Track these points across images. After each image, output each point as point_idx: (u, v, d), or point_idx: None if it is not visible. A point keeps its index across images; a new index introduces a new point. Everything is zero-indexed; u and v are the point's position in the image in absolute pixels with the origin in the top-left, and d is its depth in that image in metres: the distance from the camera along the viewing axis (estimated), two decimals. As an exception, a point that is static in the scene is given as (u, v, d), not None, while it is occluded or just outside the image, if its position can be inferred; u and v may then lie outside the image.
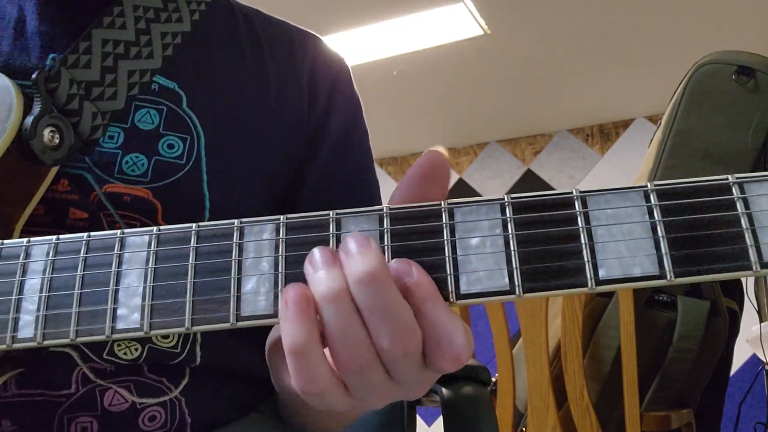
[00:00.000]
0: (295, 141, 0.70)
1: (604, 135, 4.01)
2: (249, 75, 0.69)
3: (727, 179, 0.38)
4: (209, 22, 0.70)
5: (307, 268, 0.37)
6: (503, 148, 4.23)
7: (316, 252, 0.37)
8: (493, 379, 1.68)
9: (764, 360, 1.97)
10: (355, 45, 3.15)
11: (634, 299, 1.58)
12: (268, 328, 0.67)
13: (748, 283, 1.98)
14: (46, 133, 0.54)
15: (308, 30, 0.78)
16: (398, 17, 2.99)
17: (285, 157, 0.69)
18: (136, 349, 0.56)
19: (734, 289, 1.89)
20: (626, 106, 3.83)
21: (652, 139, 1.95)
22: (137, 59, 0.62)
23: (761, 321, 1.99)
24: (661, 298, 1.74)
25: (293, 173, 0.70)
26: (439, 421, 0.94)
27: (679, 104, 1.85)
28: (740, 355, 2.99)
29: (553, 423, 1.59)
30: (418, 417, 0.96)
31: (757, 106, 1.77)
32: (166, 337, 0.58)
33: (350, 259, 0.36)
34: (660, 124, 1.93)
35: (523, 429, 1.77)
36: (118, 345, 0.56)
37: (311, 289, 0.37)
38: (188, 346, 0.59)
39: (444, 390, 0.93)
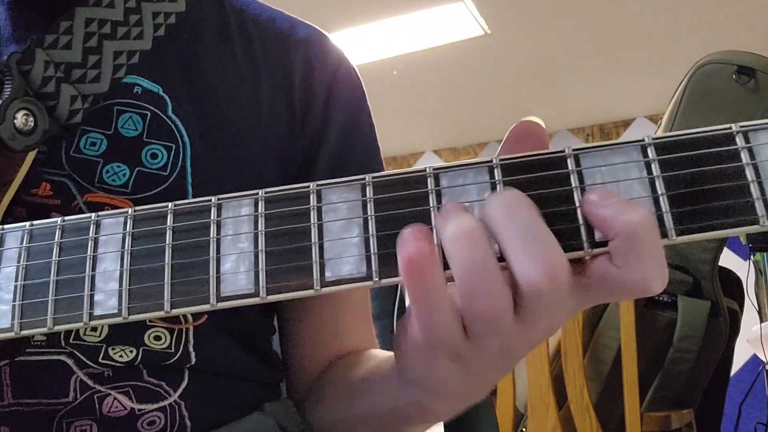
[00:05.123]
0: (291, 151, 0.65)
1: (604, 135, 4.01)
2: (240, 78, 0.64)
3: (730, 128, 0.35)
4: (199, 12, 0.65)
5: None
6: (503, 149, 4.23)
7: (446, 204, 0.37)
8: (493, 380, 1.67)
9: (764, 360, 1.96)
10: (354, 44, 3.14)
11: (634, 300, 1.57)
12: (264, 333, 0.66)
13: (749, 283, 1.97)
14: (20, 117, 0.52)
15: (305, 21, 0.72)
16: (398, 16, 2.99)
17: (280, 168, 0.64)
18: (131, 351, 0.54)
19: (734, 289, 1.89)
20: (626, 106, 3.83)
21: (652, 139, 1.94)
22: (125, 39, 0.59)
23: (761, 321, 1.98)
24: (661, 298, 1.74)
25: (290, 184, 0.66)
26: (438, 421, 0.93)
27: (679, 104, 1.84)
28: (740, 355, 2.97)
29: (553, 423, 1.58)
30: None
31: (757, 106, 1.76)
32: (158, 339, 0.56)
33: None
34: (660, 123, 1.92)
35: (523, 429, 1.76)
36: (113, 348, 0.54)
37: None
38: (181, 348, 0.57)
39: (443, 390, 0.92)
